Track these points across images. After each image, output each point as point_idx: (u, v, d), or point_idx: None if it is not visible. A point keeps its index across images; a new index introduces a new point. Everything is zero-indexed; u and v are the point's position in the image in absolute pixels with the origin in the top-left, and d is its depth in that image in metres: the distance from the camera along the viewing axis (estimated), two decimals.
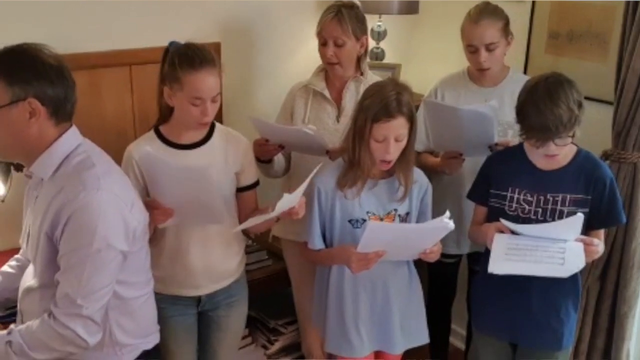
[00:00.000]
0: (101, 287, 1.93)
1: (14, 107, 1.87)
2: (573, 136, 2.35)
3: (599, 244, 2.42)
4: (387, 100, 2.33)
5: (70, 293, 1.90)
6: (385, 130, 2.35)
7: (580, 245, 2.35)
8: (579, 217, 2.30)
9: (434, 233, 2.35)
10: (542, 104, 2.29)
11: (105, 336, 2.07)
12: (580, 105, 2.32)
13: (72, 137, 2.01)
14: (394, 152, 2.38)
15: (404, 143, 2.40)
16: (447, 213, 2.28)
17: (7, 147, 1.99)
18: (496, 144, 2.69)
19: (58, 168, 1.97)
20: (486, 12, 2.82)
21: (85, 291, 1.90)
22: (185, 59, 2.33)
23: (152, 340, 2.25)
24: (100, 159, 2.04)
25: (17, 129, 1.91)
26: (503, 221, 2.43)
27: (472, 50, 2.84)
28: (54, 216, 1.92)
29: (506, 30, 2.85)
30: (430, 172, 2.73)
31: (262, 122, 2.70)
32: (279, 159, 2.86)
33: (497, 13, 2.83)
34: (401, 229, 2.42)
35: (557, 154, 2.40)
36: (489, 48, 2.81)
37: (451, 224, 2.24)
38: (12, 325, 1.99)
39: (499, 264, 2.36)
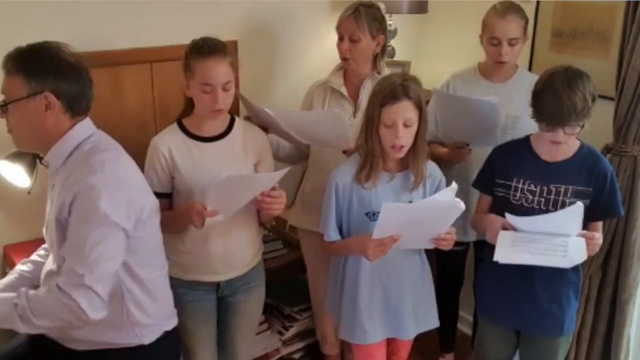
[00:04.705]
0: (103, 258, 1.96)
1: (31, 100, 1.99)
2: (582, 127, 2.40)
3: (599, 238, 2.47)
4: (394, 86, 2.39)
5: (73, 264, 1.95)
6: (392, 113, 2.39)
7: (583, 240, 2.38)
8: (579, 207, 2.34)
9: (445, 212, 2.36)
10: (560, 90, 2.33)
11: (123, 316, 2.14)
12: (594, 99, 2.37)
13: (85, 127, 2.11)
14: (403, 136, 2.41)
15: (413, 129, 2.43)
16: (454, 184, 2.33)
17: (25, 138, 2.11)
18: None
19: (69, 155, 2.07)
20: (513, 9, 2.90)
21: (88, 262, 1.94)
22: (196, 48, 2.43)
23: (172, 322, 2.32)
24: (110, 146, 2.13)
25: (34, 121, 2.02)
26: (508, 216, 2.45)
27: (494, 42, 2.90)
28: (62, 199, 2.00)
29: (526, 29, 2.93)
30: (439, 162, 2.77)
31: (281, 110, 2.74)
32: (278, 141, 2.92)
33: (520, 11, 2.91)
34: (413, 208, 2.42)
35: (562, 142, 2.43)
36: (511, 43, 2.88)
37: (462, 204, 2.27)
38: (22, 288, 2.03)
39: (505, 254, 2.40)
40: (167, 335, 2.28)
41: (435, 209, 2.38)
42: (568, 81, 2.35)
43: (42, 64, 2.01)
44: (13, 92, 2.01)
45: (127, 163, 2.15)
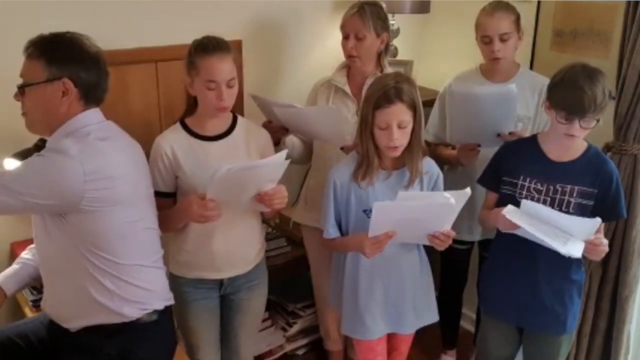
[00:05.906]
0: (16, 190, 1.98)
1: (49, 85, 2.06)
2: (598, 121, 2.41)
3: (606, 245, 2.46)
4: (387, 88, 2.40)
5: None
6: (386, 116, 2.40)
7: (582, 244, 2.38)
8: (597, 221, 2.36)
9: (437, 208, 2.36)
10: (582, 80, 2.36)
11: (108, 295, 2.14)
12: (609, 96, 2.40)
13: (90, 116, 2.15)
14: (398, 138, 2.42)
15: (408, 129, 2.45)
16: (468, 190, 2.32)
17: (37, 122, 2.16)
18: (510, 133, 2.77)
19: (67, 136, 2.08)
20: (500, 7, 2.94)
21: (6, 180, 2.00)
22: (199, 46, 2.46)
23: (162, 303, 2.29)
24: (112, 136, 2.15)
25: (49, 106, 2.08)
26: (524, 202, 2.44)
27: (486, 40, 2.93)
28: None
29: (518, 24, 2.95)
30: (444, 164, 2.79)
31: (282, 108, 2.76)
32: (292, 143, 2.93)
33: (509, 8, 2.95)
34: (404, 204, 2.37)
35: (576, 136, 2.43)
36: (503, 38, 2.90)
37: (452, 200, 2.28)
38: None
39: (513, 214, 2.40)
40: (159, 315, 2.27)
41: (426, 206, 2.38)
42: (589, 74, 2.38)
43: (63, 51, 2.07)
44: (32, 75, 2.07)
45: (108, 156, 2.10)
